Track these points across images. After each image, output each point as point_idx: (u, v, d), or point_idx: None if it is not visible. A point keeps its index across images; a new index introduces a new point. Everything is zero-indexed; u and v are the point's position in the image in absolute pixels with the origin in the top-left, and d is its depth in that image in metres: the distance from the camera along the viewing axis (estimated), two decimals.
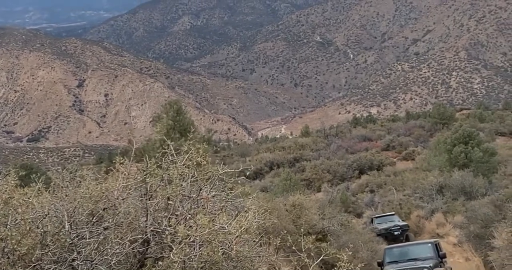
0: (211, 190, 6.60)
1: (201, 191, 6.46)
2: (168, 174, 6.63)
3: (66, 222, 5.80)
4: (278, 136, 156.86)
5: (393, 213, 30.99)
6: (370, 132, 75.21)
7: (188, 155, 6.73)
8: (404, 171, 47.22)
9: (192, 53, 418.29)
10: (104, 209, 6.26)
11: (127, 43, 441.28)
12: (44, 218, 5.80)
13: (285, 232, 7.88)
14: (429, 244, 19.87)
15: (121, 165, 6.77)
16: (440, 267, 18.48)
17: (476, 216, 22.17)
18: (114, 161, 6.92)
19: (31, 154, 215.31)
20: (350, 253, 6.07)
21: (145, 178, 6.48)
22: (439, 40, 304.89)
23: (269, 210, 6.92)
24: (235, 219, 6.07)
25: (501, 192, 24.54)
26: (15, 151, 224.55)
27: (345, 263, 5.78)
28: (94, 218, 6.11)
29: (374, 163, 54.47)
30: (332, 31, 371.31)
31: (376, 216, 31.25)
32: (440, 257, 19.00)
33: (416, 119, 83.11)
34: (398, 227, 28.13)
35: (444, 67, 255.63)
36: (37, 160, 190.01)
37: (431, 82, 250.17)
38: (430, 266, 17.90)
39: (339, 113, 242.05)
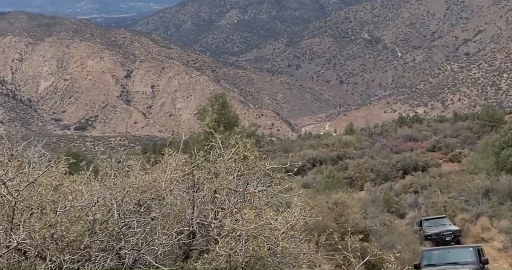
0: (258, 185, 6.59)
1: (247, 186, 6.46)
2: (215, 167, 6.64)
3: (115, 210, 5.87)
4: (321, 133, 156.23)
5: (443, 215, 29.79)
6: (416, 132, 74.16)
7: (235, 149, 6.74)
8: (449, 172, 46.46)
9: (239, 47, 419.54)
10: (151, 199, 6.32)
11: (175, 35, 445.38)
12: (94, 206, 5.87)
13: (330, 230, 7.82)
14: (471, 249, 19.20)
15: (169, 156, 6.82)
16: None
17: None
18: (160, 152, 6.98)
19: (78, 142, 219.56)
20: (398, 254, 5.99)
21: (192, 170, 6.51)
22: (490, 41, 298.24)
23: (313, 207, 6.87)
24: (281, 214, 6.05)
25: None
26: (63, 138, 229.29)
27: (391, 264, 5.69)
28: (142, 208, 6.17)
29: (419, 164, 53.71)
30: (381, 28, 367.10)
31: (426, 218, 29.98)
32: (482, 262, 18.21)
33: (463, 121, 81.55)
34: (450, 232, 26.84)
35: (494, 69, 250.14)
36: (83, 148, 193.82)
37: (481, 84, 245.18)
38: None
39: (385, 112, 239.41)
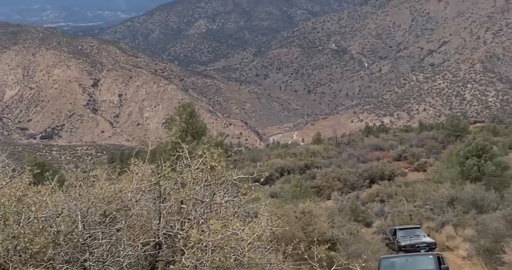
0: (225, 195, 6.58)
1: (214, 196, 6.45)
2: (182, 177, 6.61)
3: (79, 222, 5.80)
4: (289, 142, 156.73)
5: (418, 225, 29.03)
6: (382, 142, 74.88)
7: (202, 158, 6.72)
8: (415, 182, 46.98)
9: (207, 56, 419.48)
10: (117, 210, 6.26)
11: (143, 44, 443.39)
12: (58, 217, 5.79)
13: (297, 239, 7.83)
14: (431, 256, 18.89)
15: (136, 166, 6.77)
16: None
17: (486, 230, 21.97)
18: (127, 161, 6.92)
19: (44, 151, 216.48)
20: (364, 264, 6.03)
21: (159, 180, 6.47)
22: (455, 52, 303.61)
23: (280, 217, 6.87)
24: (248, 225, 6.04)
25: None
26: (28, 147, 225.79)
27: None
28: (107, 218, 6.11)
29: (385, 173, 54.24)
30: (348, 39, 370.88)
31: (400, 227, 28.74)
32: None
33: (429, 131, 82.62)
34: (425, 245, 25.98)
35: (459, 79, 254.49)
36: (49, 157, 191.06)
37: (446, 94, 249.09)
38: None
39: (352, 122, 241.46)
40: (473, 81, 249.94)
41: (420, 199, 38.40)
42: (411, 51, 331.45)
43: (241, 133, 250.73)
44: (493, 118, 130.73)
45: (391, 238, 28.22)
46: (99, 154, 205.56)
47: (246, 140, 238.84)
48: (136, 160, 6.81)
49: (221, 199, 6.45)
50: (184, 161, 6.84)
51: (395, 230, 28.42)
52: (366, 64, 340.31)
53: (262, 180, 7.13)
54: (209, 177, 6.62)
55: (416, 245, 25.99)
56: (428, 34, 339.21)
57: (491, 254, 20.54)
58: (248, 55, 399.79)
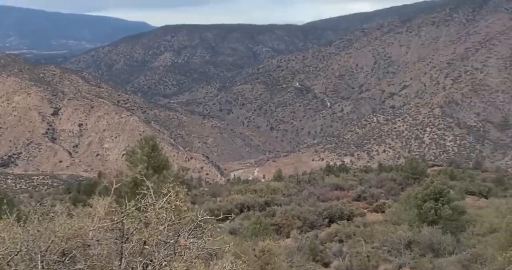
0: (189, 236, 6.48)
1: (179, 237, 6.35)
2: (146, 217, 6.49)
3: (38, 261, 5.63)
4: (250, 178, 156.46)
5: None
6: (343, 181, 75.25)
7: (167, 197, 6.63)
8: (374, 222, 47.17)
9: (171, 89, 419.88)
10: (77, 249, 6.10)
11: (107, 75, 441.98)
12: (16, 255, 5.61)
13: None
14: None
15: (98, 202, 6.64)
16: None
17: None
18: (85, 193, 6.79)
19: None
20: None
21: (122, 219, 6.34)
22: (415, 96, 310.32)
23: (244, 261, 6.79)
24: (211, 268, 5.95)
25: (469, 251, 24.64)
26: None
27: None
28: (67, 258, 5.94)
29: (344, 213, 54.29)
30: (311, 78, 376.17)
31: None
32: None
33: (388, 172, 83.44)
34: None
35: (418, 123, 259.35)
36: (4, 186, 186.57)
37: (405, 136, 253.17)
38: None
39: (313, 160, 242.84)
40: (432, 125, 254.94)
41: (378, 240, 38.49)
42: (372, 93, 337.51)
43: (202, 168, 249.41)
44: (450, 162, 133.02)
45: None
46: (55, 184, 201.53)
47: (207, 174, 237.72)
48: (99, 196, 6.68)
49: (185, 241, 6.36)
50: (149, 199, 6.74)
51: None
52: (328, 104, 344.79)
53: (229, 222, 7.07)
54: (173, 216, 6.53)
55: None
56: (390, 77, 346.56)
57: None
58: (212, 89, 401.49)
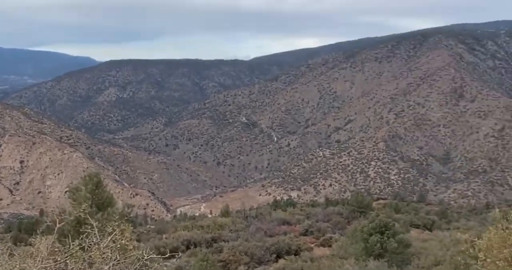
0: None
1: None
2: (90, 256, 6.34)
3: None
4: (197, 214, 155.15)
5: None
6: (290, 216, 75.28)
7: (112, 236, 6.50)
8: (321, 257, 47.25)
9: (116, 125, 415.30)
10: None
11: (49, 110, 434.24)
12: None
13: None
14: None
15: (40, 243, 6.45)
16: None
17: None
18: (26, 232, 6.60)
19: None
20: None
21: (66, 259, 6.17)
22: (359, 130, 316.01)
23: None
24: None
25: None
26: None
27: None
28: None
29: (292, 248, 54.21)
30: (258, 113, 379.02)
31: None
32: None
33: (334, 206, 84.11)
34: None
35: (363, 157, 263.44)
36: None
37: (351, 170, 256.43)
38: None
39: (260, 195, 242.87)
40: (376, 159, 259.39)
41: None
42: (318, 127, 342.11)
43: (147, 204, 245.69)
44: (395, 195, 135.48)
45: None
46: None
47: (153, 210, 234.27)
48: (42, 236, 6.50)
49: None
50: (93, 238, 6.59)
51: None
52: (275, 138, 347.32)
53: (176, 260, 6.97)
54: (118, 255, 6.39)
55: None
56: (335, 112, 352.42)
57: None
58: (158, 125, 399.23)
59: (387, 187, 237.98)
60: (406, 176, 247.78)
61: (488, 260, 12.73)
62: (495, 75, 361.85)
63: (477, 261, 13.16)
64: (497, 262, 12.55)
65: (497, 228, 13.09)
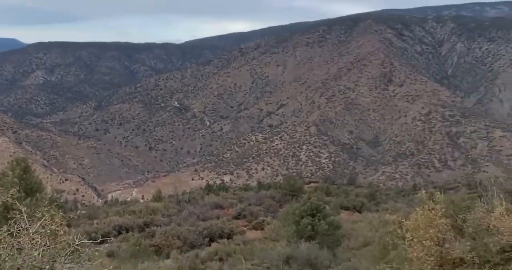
0: (65, 262, 6.26)
1: (54, 263, 6.13)
2: (19, 242, 6.22)
3: None
4: (129, 199, 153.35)
5: None
6: (223, 200, 75.62)
7: (41, 221, 6.39)
8: (253, 240, 47.73)
9: (44, 109, 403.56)
10: None
11: None
12: None
13: None
14: None
15: None
16: None
17: None
18: None
19: None
20: None
21: None
22: (291, 115, 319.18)
23: None
24: None
25: (344, 264, 25.58)
26: None
27: None
28: None
29: (224, 231, 54.53)
30: (190, 97, 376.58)
31: None
32: None
33: (267, 190, 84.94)
34: None
35: (295, 141, 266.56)
36: None
37: (283, 154, 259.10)
38: None
39: (193, 180, 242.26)
40: (308, 143, 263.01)
41: (257, 257, 38.96)
42: (251, 112, 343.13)
43: (77, 190, 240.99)
44: (326, 179, 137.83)
45: None
46: None
47: (83, 196, 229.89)
48: None
49: (62, 266, 6.14)
50: (22, 224, 6.46)
51: None
52: (207, 123, 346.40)
53: (99, 239, 6.92)
54: (48, 241, 6.29)
55: None
56: (267, 96, 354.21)
57: None
58: (88, 109, 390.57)
59: (319, 170, 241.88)
60: (336, 159, 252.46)
61: (415, 240, 13.21)
62: (422, 60, 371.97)
63: (405, 241, 13.64)
64: (424, 242, 13.04)
65: (423, 209, 13.58)
